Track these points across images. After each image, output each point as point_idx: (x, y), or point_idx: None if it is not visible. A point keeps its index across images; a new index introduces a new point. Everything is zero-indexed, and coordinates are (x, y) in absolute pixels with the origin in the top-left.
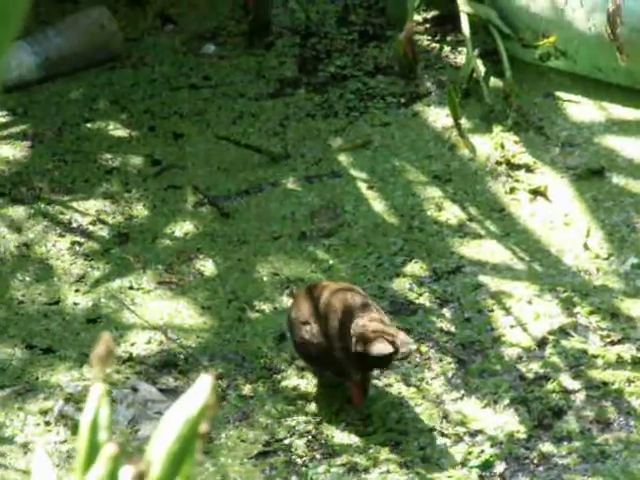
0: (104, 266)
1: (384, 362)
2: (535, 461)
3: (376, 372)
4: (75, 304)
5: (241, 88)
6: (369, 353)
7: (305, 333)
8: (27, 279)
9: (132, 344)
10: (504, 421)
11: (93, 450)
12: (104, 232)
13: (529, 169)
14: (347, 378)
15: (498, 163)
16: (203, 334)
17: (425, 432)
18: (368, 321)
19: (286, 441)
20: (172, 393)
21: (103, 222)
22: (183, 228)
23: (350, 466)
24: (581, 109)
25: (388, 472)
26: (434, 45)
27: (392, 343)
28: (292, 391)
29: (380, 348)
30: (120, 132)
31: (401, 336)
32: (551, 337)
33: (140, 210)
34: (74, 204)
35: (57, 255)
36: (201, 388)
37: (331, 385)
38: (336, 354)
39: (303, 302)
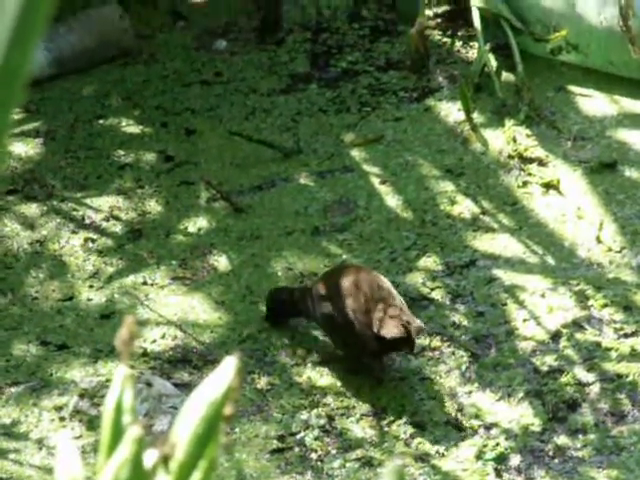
0: (118, 262)
1: (398, 346)
2: (550, 454)
3: (393, 366)
4: (89, 300)
5: (253, 84)
6: (384, 336)
7: (331, 308)
8: (41, 276)
9: (146, 340)
10: (519, 414)
11: (117, 433)
12: (117, 228)
13: (541, 163)
14: (365, 355)
15: (510, 157)
16: (218, 329)
17: (440, 425)
18: (388, 305)
19: (301, 435)
20: (186, 388)
21: (116, 218)
22: (196, 224)
23: (365, 460)
24: (593, 102)
25: (403, 466)
26: (445, 40)
27: (405, 328)
28: (307, 385)
29: (393, 332)
30: (132, 128)
31: (416, 323)
32: (565, 330)
33: (153, 206)
34: (87, 201)
35: (71, 251)
36: (225, 370)
37: (346, 377)
38: (358, 331)
39: (330, 279)
